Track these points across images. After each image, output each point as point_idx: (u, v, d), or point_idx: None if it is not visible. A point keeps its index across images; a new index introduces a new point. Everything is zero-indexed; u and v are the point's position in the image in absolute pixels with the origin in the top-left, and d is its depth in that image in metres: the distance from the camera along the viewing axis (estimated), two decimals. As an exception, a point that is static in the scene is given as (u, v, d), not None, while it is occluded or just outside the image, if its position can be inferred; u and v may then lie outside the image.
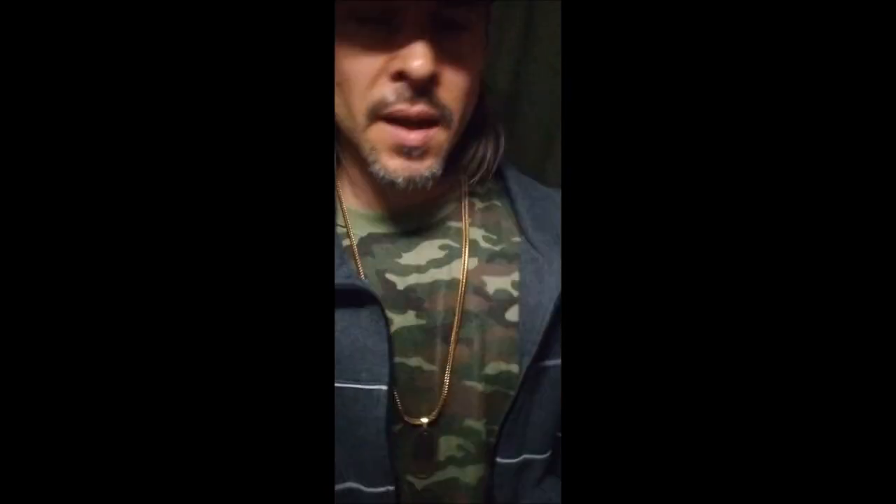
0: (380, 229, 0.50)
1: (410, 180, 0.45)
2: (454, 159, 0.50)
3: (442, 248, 0.49)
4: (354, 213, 0.50)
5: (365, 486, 0.46)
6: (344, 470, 0.46)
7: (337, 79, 0.44)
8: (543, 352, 0.46)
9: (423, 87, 0.41)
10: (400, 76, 0.41)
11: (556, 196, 0.54)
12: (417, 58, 0.39)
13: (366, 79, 0.42)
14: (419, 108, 0.42)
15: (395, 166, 0.44)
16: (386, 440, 0.45)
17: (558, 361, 0.46)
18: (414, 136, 0.43)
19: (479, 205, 0.53)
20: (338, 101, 0.45)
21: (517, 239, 0.50)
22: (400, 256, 0.49)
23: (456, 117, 0.45)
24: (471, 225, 0.50)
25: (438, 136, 0.45)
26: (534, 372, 0.45)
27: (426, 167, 0.45)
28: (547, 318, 0.45)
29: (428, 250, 0.49)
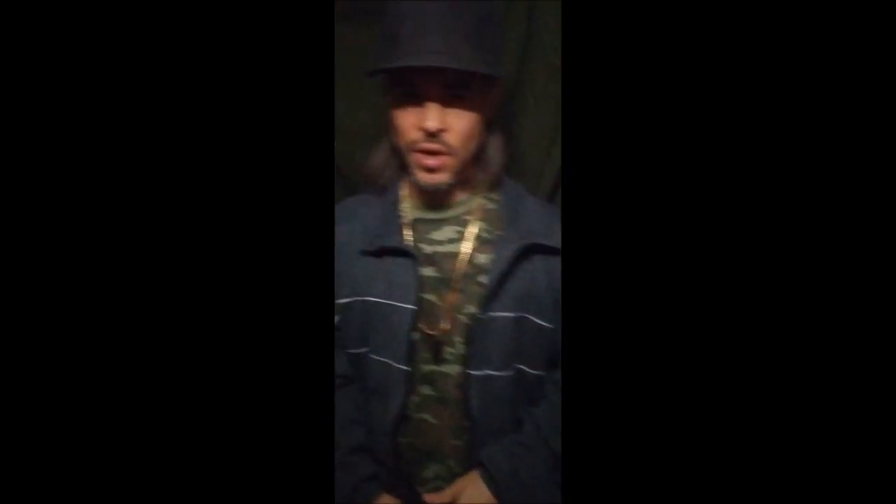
0: (421, 216, 0.86)
1: (432, 186, 0.80)
2: (466, 177, 0.84)
3: (456, 232, 0.85)
4: (409, 206, 0.87)
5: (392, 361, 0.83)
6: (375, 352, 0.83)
7: (394, 127, 0.80)
8: (492, 303, 0.81)
9: (435, 135, 0.76)
10: (421, 128, 0.77)
11: (532, 203, 0.88)
12: (430, 119, 0.75)
13: (407, 128, 0.78)
14: (432, 146, 0.77)
15: (422, 178, 0.80)
16: (406, 342, 0.80)
17: (504, 313, 0.81)
18: (430, 161, 0.78)
19: (483, 207, 0.88)
20: (397, 140, 0.82)
21: (499, 233, 0.85)
22: (430, 234, 0.85)
23: (460, 150, 0.79)
24: (474, 220, 0.86)
25: (447, 161, 0.79)
26: (487, 317, 0.81)
27: (440, 179, 0.80)
28: (495, 281, 0.81)
29: (447, 233, 0.85)
